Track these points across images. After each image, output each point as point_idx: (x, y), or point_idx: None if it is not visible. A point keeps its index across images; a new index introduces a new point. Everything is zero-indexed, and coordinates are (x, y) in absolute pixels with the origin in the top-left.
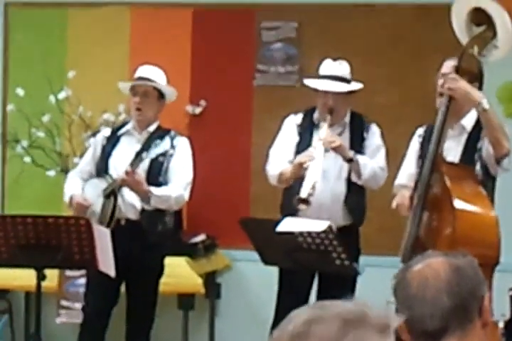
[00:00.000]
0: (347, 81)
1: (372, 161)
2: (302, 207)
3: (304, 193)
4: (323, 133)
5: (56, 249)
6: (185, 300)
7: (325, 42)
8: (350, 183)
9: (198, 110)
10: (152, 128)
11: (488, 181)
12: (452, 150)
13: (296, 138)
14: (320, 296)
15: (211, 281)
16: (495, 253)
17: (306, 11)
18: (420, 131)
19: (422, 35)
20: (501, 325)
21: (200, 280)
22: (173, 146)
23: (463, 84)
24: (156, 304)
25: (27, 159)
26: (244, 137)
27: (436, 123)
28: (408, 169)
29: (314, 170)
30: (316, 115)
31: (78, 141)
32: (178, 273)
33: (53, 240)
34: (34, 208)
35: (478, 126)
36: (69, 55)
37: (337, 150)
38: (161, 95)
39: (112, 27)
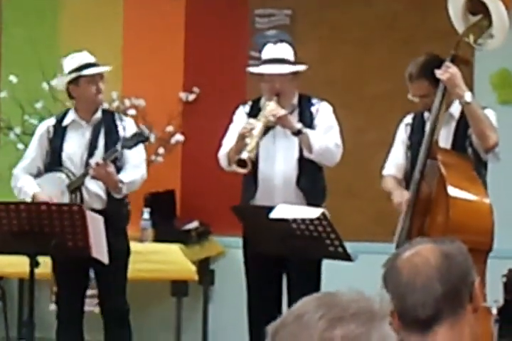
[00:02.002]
0: (290, 63)
1: (324, 137)
2: (240, 169)
3: (244, 155)
4: (268, 107)
5: (49, 235)
6: (179, 287)
7: (318, 29)
8: (301, 164)
9: (191, 97)
10: (99, 114)
11: (481, 167)
12: (443, 138)
13: None
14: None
15: (205, 268)
16: (488, 240)
17: None
18: (408, 119)
19: (415, 24)
20: (494, 311)
21: (193, 267)
22: (123, 128)
23: (453, 75)
24: (125, 287)
25: (20, 146)
26: None
27: (432, 110)
28: (396, 159)
29: (255, 135)
30: (262, 101)
31: None
32: (172, 260)
33: (46, 227)
34: None
35: (465, 113)
36: (61, 42)
37: (282, 121)
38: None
39: (105, 13)
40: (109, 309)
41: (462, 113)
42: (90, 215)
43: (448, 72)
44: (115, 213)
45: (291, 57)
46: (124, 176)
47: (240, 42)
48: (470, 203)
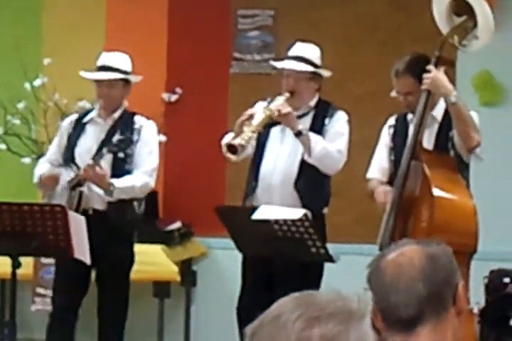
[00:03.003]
0: (312, 63)
1: (328, 143)
2: (229, 155)
3: (236, 140)
4: (275, 102)
5: (31, 236)
6: (161, 288)
7: (301, 30)
8: (303, 166)
9: (173, 98)
10: (117, 114)
11: (463, 169)
12: (425, 140)
13: None
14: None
15: (187, 269)
16: (473, 242)
17: None
18: (391, 120)
19: (398, 24)
20: (476, 312)
21: (175, 268)
22: (138, 132)
23: (436, 76)
24: (128, 293)
25: (2, 146)
26: (220, 125)
27: (416, 110)
28: (380, 162)
29: (253, 124)
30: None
31: (54, 128)
32: (154, 260)
33: (28, 227)
34: (9, 195)
35: (447, 115)
36: (44, 42)
37: (285, 118)
38: (126, 81)
39: (88, 14)
40: (107, 314)
41: (445, 115)
42: (72, 216)
43: (428, 78)
44: (117, 216)
45: (315, 59)
46: (119, 181)
47: (222, 43)
48: (455, 204)
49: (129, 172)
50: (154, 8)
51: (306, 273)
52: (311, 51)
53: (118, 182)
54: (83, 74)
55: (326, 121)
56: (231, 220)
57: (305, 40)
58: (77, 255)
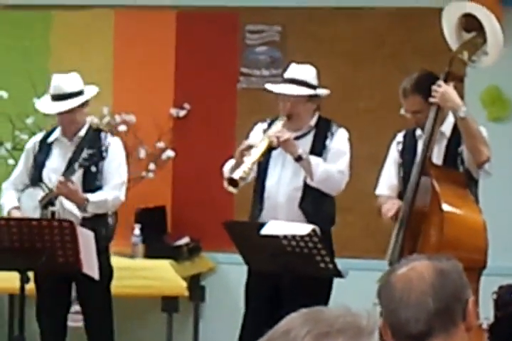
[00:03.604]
0: (309, 85)
1: (329, 164)
2: (230, 188)
3: (235, 174)
4: (274, 128)
5: (40, 251)
6: (170, 303)
7: (308, 45)
8: (306, 187)
9: (182, 113)
10: (83, 132)
11: (472, 185)
12: (434, 156)
13: None
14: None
15: (195, 284)
16: (482, 257)
17: (289, 15)
18: (399, 137)
19: (404, 38)
20: (485, 327)
21: (184, 283)
22: (106, 149)
23: (445, 91)
24: (111, 306)
25: (11, 161)
26: (228, 140)
27: (425, 127)
28: (389, 179)
29: (252, 156)
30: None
31: None
32: (162, 276)
33: (37, 243)
34: None
35: (456, 131)
36: (52, 58)
37: (284, 145)
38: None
39: (96, 30)
40: (93, 329)
41: (453, 131)
42: (81, 231)
43: (438, 92)
44: (92, 231)
45: (311, 79)
46: (92, 195)
47: (230, 58)
48: (464, 219)
49: (99, 188)
50: (162, 23)
51: (315, 288)
52: (306, 72)
53: (91, 197)
54: (39, 106)
55: (328, 141)
56: (239, 235)
57: (311, 57)
58: (86, 270)
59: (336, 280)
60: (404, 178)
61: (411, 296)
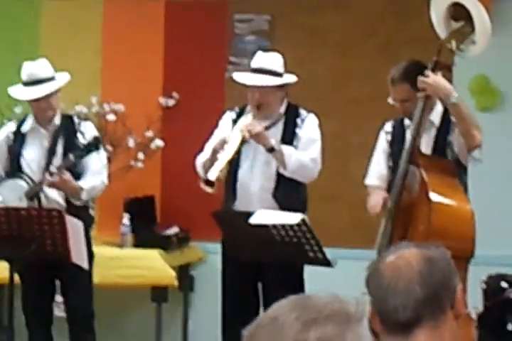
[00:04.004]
0: (277, 74)
1: (301, 152)
2: (207, 188)
3: (211, 175)
4: (244, 121)
5: (29, 240)
6: (159, 293)
7: (297, 35)
8: (279, 177)
9: (170, 102)
10: (57, 120)
11: (461, 173)
12: (423, 145)
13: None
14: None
15: (184, 274)
16: (470, 247)
17: (278, 4)
18: (388, 126)
19: (393, 28)
20: (474, 317)
21: (173, 273)
22: (82, 134)
23: (433, 80)
24: (91, 292)
25: None
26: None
27: (413, 117)
28: (378, 169)
29: (226, 153)
30: (247, 109)
31: None
32: (152, 265)
33: (26, 232)
34: None
35: (445, 120)
36: (41, 46)
37: (257, 138)
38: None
39: (85, 18)
40: (74, 314)
41: (442, 120)
42: (70, 220)
43: (427, 82)
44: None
45: (279, 67)
46: (84, 183)
47: (219, 47)
48: (452, 209)
49: (79, 175)
50: (151, 12)
51: (289, 276)
52: (273, 61)
53: (83, 184)
54: (13, 93)
55: (298, 128)
56: (228, 225)
57: (300, 47)
58: (75, 259)
59: (325, 270)
60: (393, 168)
61: (399, 284)
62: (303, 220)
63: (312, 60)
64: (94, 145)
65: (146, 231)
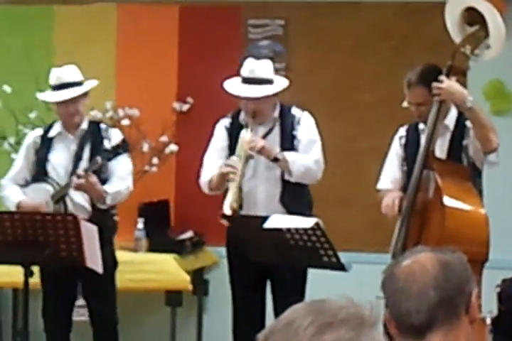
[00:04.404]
0: (269, 82)
1: (304, 156)
2: (225, 222)
3: (226, 209)
4: (244, 139)
5: (43, 245)
6: (173, 297)
7: (311, 39)
8: (284, 182)
9: (185, 107)
10: (85, 125)
11: (476, 177)
12: (438, 149)
13: (226, 142)
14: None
15: (199, 278)
16: (484, 250)
17: (292, 9)
18: (402, 131)
19: (408, 32)
20: (488, 321)
21: (187, 277)
22: (108, 140)
23: (448, 85)
24: (115, 299)
25: (14, 156)
26: None
27: (428, 121)
28: (391, 173)
29: (236, 182)
30: (241, 116)
31: None
32: (166, 270)
33: (40, 237)
34: None
35: (459, 124)
36: (55, 52)
37: (261, 152)
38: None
39: (99, 24)
40: (98, 320)
41: (457, 124)
42: (85, 225)
43: (442, 88)
44: (100, 224)
45: (270, 74)
46: (109, 187)
47: (233, 52)
48: (466, 213)
49: (105, 180)
50: (165, 17)
51: (292, 279)
52: (263, 68)
53: (108, 188)
54: (42, 96)
55: (295, 131)
56: (239, 228)
57: (314, 51)
58: (89, 264)
59: (339, 274)
60: (407, 173)
61: (413, 287)
62: (317, 224)
63: (325, 64)
64: (121, 148)
65: (160, 235)
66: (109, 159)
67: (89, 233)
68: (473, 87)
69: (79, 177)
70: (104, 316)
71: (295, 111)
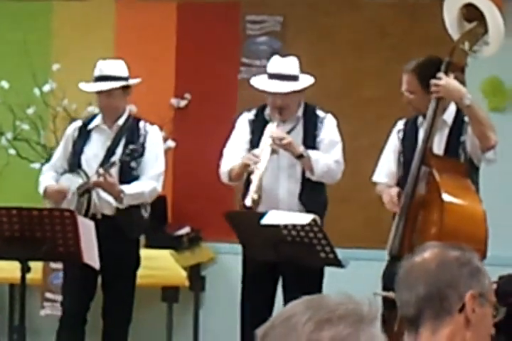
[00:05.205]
0: (295, 78)
1: (326, 156)
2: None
3: (248, 201)
4: (271, 132)
5: (40, 241)
6: (170, 293)
7: (309, 36)
8: (304, 180)
9: (182, 103)
10: (122, 120)
11: (473, 173)
12: (436, 145)
13: (249, 136)
14: (286, 297)
15: (195, 274)
16: (482, 247)
17: (290, 5)
18: (400, 124)
19: (406, 29)
20: None
21: (184, 273)
22: (144, 137)
23: (446, 82)
24: (133, 298)
25: (12, 151)
26: (229, 130)
27: (426, 117)
28: (387, 166)
29: (259, 173)
30: (267, 111)
31: (63, 133)
32: (163, 265)
33: (38, 232)
34: (18, 200)
35: (458, 119)
36: (53, 48)
37: (287, 148)
38: (125, 87)
39: (97, 20)
40: (111, 318)
41: (455, 119)
42: (82, 221)
43: (440, 85)
44: (125, 221)
45: (296, 71)
46: (129, 187)
47: (231, 48)
48: (464, 210)
49: (136, 177)
50: (163, 13)
51: (307, 277)
52: (290, 65)
53: (128, 189)
54: (82, 86)
55: (318, 131)
56: (240, 225)
57: (312, 48)
58: (87, 260)
59: (337, 270)
60: (404, 165)
61: (408, 280)
62: (314, 220)
63: (324, 60)
64: (137, 154)
65: (157, 231)
66: (127, 161)
67: (86, 229)
68: (472, 83)
69: (99, 174)
70: (118, 314)
71: (319, 111)
